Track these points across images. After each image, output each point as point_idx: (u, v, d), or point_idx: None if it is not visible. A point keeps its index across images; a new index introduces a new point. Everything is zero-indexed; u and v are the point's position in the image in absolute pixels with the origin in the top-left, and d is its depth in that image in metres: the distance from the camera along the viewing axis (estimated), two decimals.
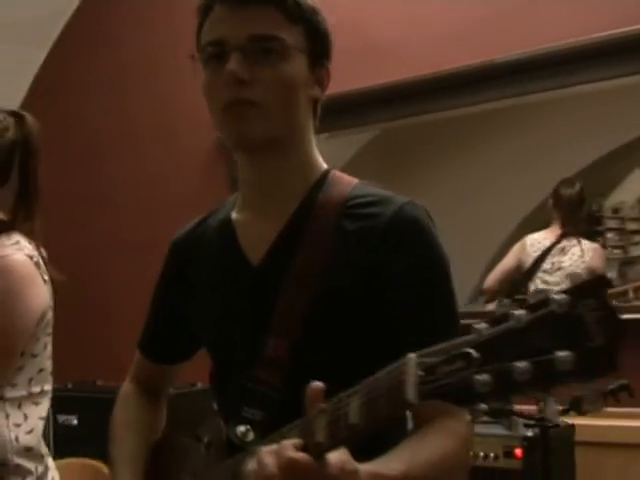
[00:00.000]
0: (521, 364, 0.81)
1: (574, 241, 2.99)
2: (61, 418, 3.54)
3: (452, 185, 3.40)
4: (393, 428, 1.28)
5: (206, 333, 1.50)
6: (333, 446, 1.03)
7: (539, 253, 2.98)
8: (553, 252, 2.94)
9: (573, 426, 2.36)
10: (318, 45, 1.39)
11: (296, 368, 1.28)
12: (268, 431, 1.21)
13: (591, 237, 3.16)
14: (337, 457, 1.03)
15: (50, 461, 1.97)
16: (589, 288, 0.80)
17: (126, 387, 1.66)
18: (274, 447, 1.05)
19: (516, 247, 3.09)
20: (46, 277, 1.91)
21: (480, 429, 2.39)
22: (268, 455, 1.04)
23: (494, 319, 0.86)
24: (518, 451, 2.29)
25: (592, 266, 2.85)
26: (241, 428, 1.23)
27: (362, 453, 1.10)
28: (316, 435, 1.04)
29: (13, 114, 1.97)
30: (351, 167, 3.54)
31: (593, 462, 2.46)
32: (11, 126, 1.94)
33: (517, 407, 2.15)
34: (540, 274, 2.95)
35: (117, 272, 3.61)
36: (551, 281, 2.88)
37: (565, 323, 0.80)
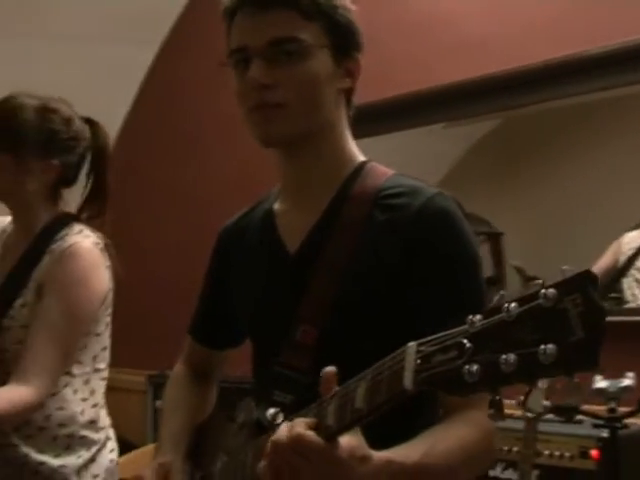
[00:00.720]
0: (508, 356, 0.81)
1: None
2: (159, 404, 3.56)
3: (574, 181, 3.28)
4: (422, 418, 1.29)
5: (245, 318, 1.54)
6: (341, 430, 1.05)
7: (633, 251, 2.89)
8: None
9: None
10: (341, 38, 1.39)
11: (324, 353, 1.29)
12: None
13: None
14: (347, 441, 1.05)
15: (111, 432, 2.07)
16: (576, 283, 0.79)
17: (177, 369, 1.73)
18: (290, 423, 1.08)
19: (613, 245, 3.00)
20: (108, 263, 2.00)
21: (556, 428, 2.35)
22: (283, 429, 1.07)
23: (489, 310, 0.86)
24: (594, 452, 2.24)
25: None
26: (271, 411, 1.26)
27: (388, 442, 1.12)
28: (327, 419, 1.06)
29: (87, 121, 2.07)
30: (471, 157, 3.53)
31: None
32: (85, 131, 2.04)
33: (586, 407, 2.10)
34: (633, 271, 2.86)
35: (196, 259, 3.70)
36: None
37: (551, 317, 0.80)
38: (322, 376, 1.09)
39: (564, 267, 0.81)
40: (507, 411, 2.11)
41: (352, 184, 1.40)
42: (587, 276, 0.79)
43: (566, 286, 0.79)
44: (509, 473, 2.44)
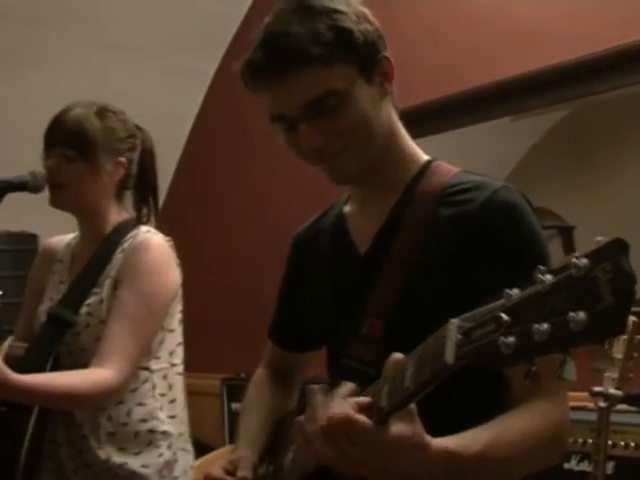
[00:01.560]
0: (541, 325, 0.82)
1: None
2: (234, 406, 3.70)
3: None
4: (491, 408, 1.27)
5: (318, 319, 1.57)
6: (392, 410, 1.06)
7: None
8: None
9: None
10: (366, 57, 1.36)
11: (389, 346, 1.30)
12: None
13: None
14: (401, 427, 1.06)
15: (187, 432, 2.10)
16: (607, 251, 0.80)
17: (258, 372, 1.77)
18: (340, 400, 1.11)
19: None
20: (178, 261, 2.06)
21: (631, 419, 2.31)
22: (336, 403, 1.11)
23: (525, 283, 0.87)
24: None
25: None
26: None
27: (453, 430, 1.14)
28: (381, 400, 1.08)
29: (135, 127, 2.14)
30: (539, 150, 3.48)
31: None
32: (137, 132, 2.13)
33: None
34: None
35: (271, 269, 3.73)
36: None
37: (582, 285, 0.80)
38: (387, 361, 1.11)
39: (598, 238, 0.81)
40: (580, 403, 2.09)
41: (417, 184, 1.42)
42: (618, 244, 0.79)
43: (597, 255, 0.80)
44: (584, 465, 2.41)
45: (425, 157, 1.48)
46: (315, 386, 1.24)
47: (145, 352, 1.97)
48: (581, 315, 0.79)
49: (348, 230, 1.51)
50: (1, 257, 2.81)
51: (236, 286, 4.27)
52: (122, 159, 2.06)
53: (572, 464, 2.43)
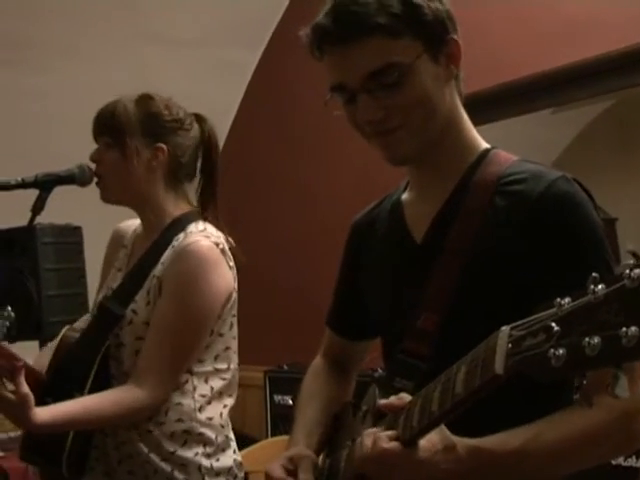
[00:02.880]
0: (592, 339, 0.81)
1: None
2: (277, 398, 3.71)
3: None
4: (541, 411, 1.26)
5: (373, 307, 1.56)
6: (444, 415, 1.07)
7: None
8: None
9: None
10: (434, 35, 1.34)
11: (444, 340, 1.32)
12: None
13: None
14: (427, 439, 1.10)
15: (231, 434, 2.08)
16: None
17: (316, 361, 1.76)
18: (374, 433, 1.16)
19: None
20: (231, 263, 2.00)
21: None
22: (368, 444, 1.15)
23: (577, 293, 0.87)
24: None
25: None
26: (392, 398, 1.25)
27: None
28: (432, 403, 1.09)
29: (195, 116, 2.11)
30: (581, 142, 3.44)
31: None
32: (191, 120, 2.08)
33: None
34: None
35: (316, 261, 3.78)
36: None
37: (635, 298, 0.79)
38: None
39: (629, 248, 0.80)
40: None
41: (474, 172, 1.40)
42: None
43: None
44: (632, 461, 2.39)
45: (484, 145, 1.45)
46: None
47: (187, 363, 1.94)
48: (633, 330, 0.77)
49: (404, 218, 1.49)
50: (45, 249, 2.82)
51: (281, 278, 4.28)
52: (161, 145, 2.01)
53: (620, 459, 2.41)
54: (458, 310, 1.33)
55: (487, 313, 1.31)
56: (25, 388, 1.73)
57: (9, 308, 1.72)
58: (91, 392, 1.90)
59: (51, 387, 1.93)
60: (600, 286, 0.83)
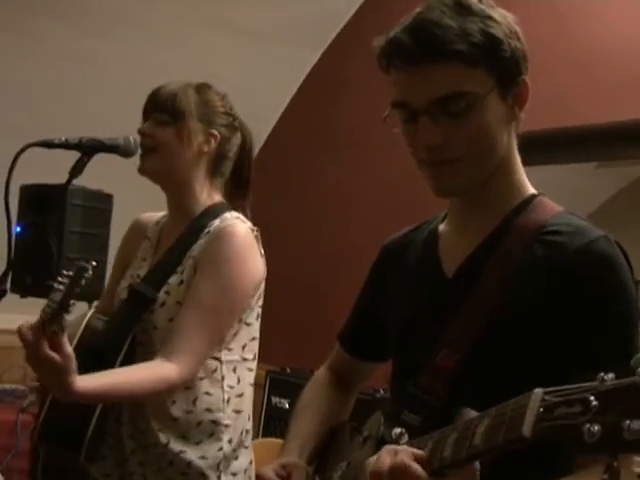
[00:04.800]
0: (633, 422, 0.79)
1: None
2: (274, 400, 3.70)
3: None
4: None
5: (391, 334, 1.54)
6: (454, 464, 1.05)
7: None
8: None
9: None
10: (507, 72, 1.32)
11: (460, 381, 1.30)
12: None
13: None
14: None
15: (250, 425, 2.07)
16: None
17: (320, 372, 1.74)
18: (396, 447, 1.10)
19: None
20: (262, 251, 2.02)
21: None
22: (386, 453, 1.09)
23: (623, 371, 0.84)
24: None
25: None
26: (397, 430, 1.23)
27: None
28: (445, 448, 1.06)
29: (235, 113, 2.13)
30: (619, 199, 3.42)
31: None
32: (237, 114, 2.11)
33: None
34: None
35: (346, 271, 3.74)
36: None
37: None
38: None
39: None
40: None
41: (517, 216, 1.37)
42: None
43: None
44: None
45: (531, 190, 1.42)
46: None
47: (217, 344, 1.93)
48: None
49: (438, 249, 1.46)
50: (74, 211, 2.82)
51: (301, 282, 4.26)
52: (215, 131, 2.04)
53: None
54: (480, 353, 1.31)
55: (509, 360, 1.30)
56: (69, 348, 1.65)
57: (94, 263, 1.67)
58: None
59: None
60: None
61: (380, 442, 1.35)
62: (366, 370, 1.72)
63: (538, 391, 0.93)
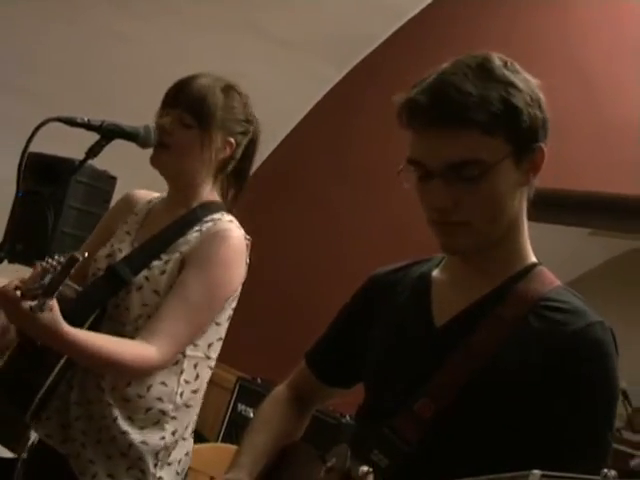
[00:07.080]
0: None
1: None
2: (240, 407, 3.71)
3: None
4: None
5: (369, 370, 1.54)
6: None
7: None
8: None
9: None
10: (525, 141, 1.32)
11: (436, 431, 1.31)
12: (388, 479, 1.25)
13: None
14: None
15: (195, 420, 2.08)
16: None
17: (280, 388, 1.74)
18: None
19: None
20: (248, 260, 2.05)
21: None
22: None
23: (629, 472, 0.86)
24: None
25: None
26: (364, 468, 1.25)
27: None
28: None
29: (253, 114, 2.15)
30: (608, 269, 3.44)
31: None
32: (255, 119, 2.12)
33: None
34: None
35: (328, 288, 3.75)
36: None
37: None
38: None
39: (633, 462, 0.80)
40: None
41: (516, 283, 1.39)
42: None
43: None
44: None
45: (532, 258, 1.44)
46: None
47: (192, 340, 1.96)
48: None
49: (431, 295, 1.47)
50: (77, 187, 2.83)
51: (283, 294, 4.27)
52: (232, 139, 2.05)
53: None
54: (459, 408, 1.32)
55: (485, 421, 1.31)
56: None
57: (86, 254, 1.69)
58: None
59: None
60: None
61: (345, 476, 1.34)
62: (329, 394, 1.72)
63: (536, 472, 0.94)
